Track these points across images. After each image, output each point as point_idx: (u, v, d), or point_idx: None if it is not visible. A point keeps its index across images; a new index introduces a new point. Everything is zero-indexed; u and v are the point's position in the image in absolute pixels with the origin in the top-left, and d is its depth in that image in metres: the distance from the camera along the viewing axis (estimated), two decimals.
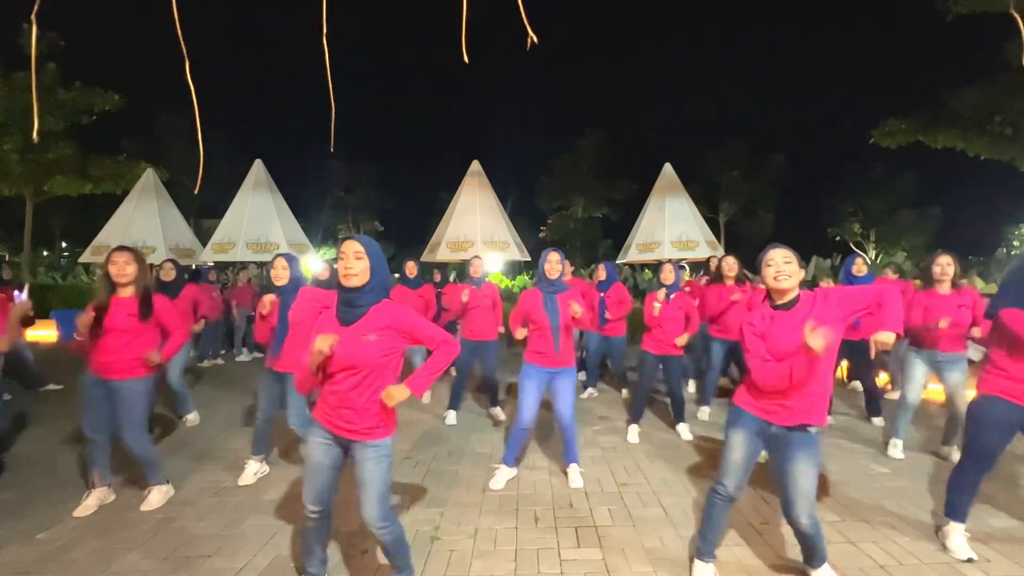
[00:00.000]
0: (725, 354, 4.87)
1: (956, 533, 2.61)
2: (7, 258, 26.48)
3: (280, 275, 3.29)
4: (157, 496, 3.16)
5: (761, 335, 2.16)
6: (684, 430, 4.37)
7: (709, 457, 3.89)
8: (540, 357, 3.34)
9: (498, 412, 4.92)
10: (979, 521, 2.90)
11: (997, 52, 10.56)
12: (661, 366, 4.39)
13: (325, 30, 1.40)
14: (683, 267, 7.48)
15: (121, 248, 2.98)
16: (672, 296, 4.23)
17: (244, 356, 8.24)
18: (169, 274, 4.90)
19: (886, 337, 2.03)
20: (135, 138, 22.03)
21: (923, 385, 3.88)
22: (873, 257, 25.97)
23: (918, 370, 3.82)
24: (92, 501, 3.07)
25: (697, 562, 2.40)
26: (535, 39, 1.31)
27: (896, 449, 3.94)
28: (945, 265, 3.65)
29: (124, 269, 2.90)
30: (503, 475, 3.42)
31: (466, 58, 1.36)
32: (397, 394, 1.93)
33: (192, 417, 4.78)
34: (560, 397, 3.35)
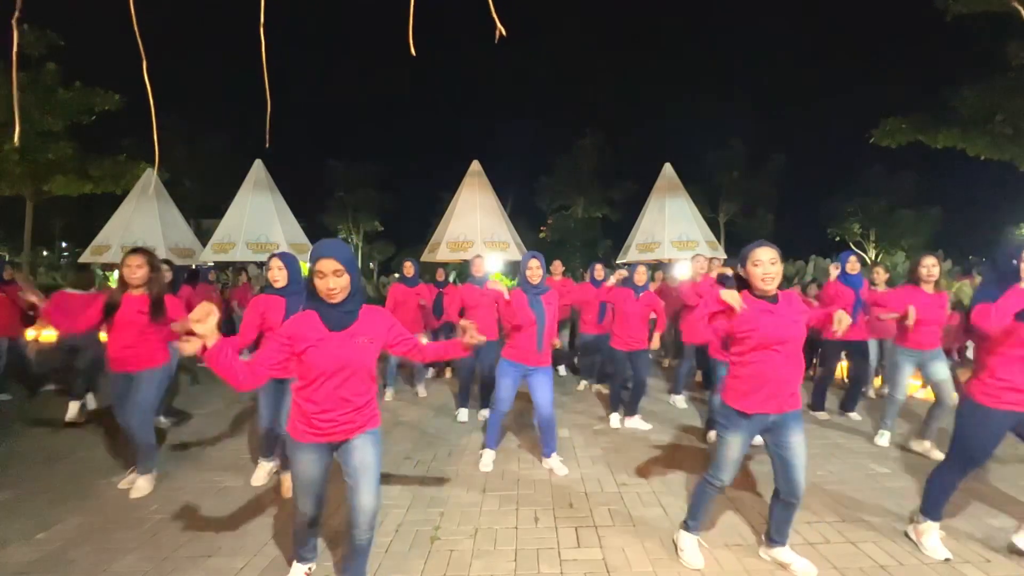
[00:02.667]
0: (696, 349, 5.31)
1: (932, 532, 2.61)
2: (7, 258, 26.49)
3: (276, 276, 3.10)
4: (144, 483, 3.29)
5: (753, 325, 2.26)
6: (639, 422, 4.63)
7: (709, 457, 3.89)
8: (519, 354, 3.56)
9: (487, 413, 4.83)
10: (979, 521, 2.90)
11: (997, 52, 10.56)
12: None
13: (262, 20, 1.37)
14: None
15: (135, 251, 3.16)
16: (640, 295, 4.58)
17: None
18: (166, 275, 4.82)
19: (841, 314, 2.26)
20: (135, 138, 22.01)
21: (908, 381, 4.16)
22: (873, 257, 25.97)
23: (905, 368, 4.07)
24: (133, 477, 3.35)
25: (683, 533, 2.57)
26: (503, 32, 1.32)
27: (884, 439, 4.19)
28: (931, 267, 3.87)
29: (135, 272, 3.09)
30: (488, 457, 3.75)
31: (413, 51, 1.34)
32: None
33: (164, 421, 4.70)
34: (540, 392, 3.57)
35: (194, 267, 12.00)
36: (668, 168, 12.66)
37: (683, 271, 5.45)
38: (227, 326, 8.32)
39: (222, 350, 1.83)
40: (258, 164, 12.22)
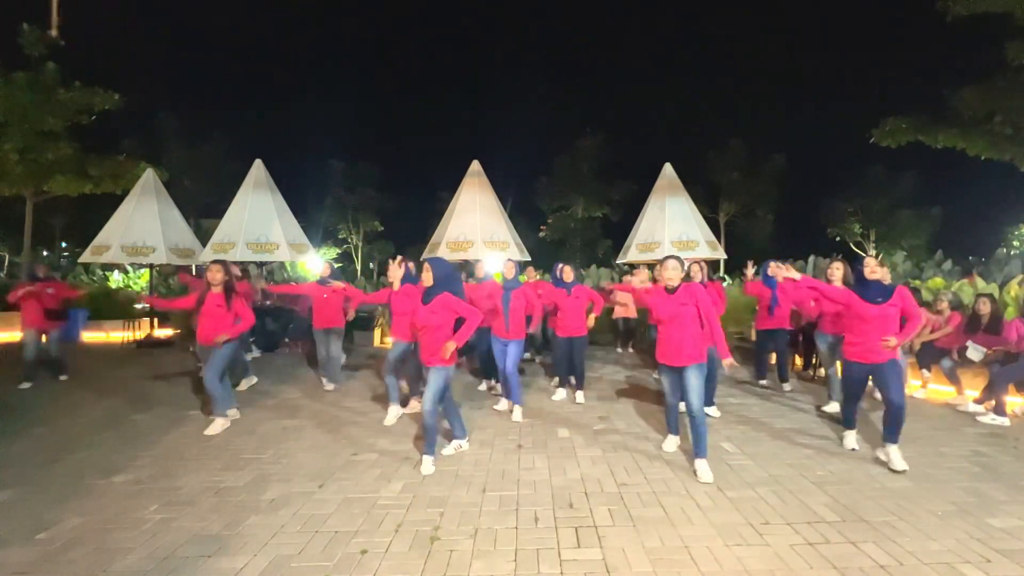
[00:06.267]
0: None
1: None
2: (7, 258, 26.44)
3: (426, 277, 3.80)
4: (216, 425, 4.48)
5: (662, 306, 3.65)
6: (580, 396, 5.54)
7: (711, 459, 3.88)
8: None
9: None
10: (979, 521, 2.90)
11: (997, 52, 10.55)
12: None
13: None
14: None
15: (216, 261, 4.59)
16: (572, 289, 5.33)
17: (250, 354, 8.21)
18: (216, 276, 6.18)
19: None
20: (135, 138, 21.99)
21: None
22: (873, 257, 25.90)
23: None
24: (211, 419, 4.56)
25: (672, 436, 4.06)
26: None
27: (833, 407, 5.04)
28: (835, 269, 4.84)
29: (215, 276, 4.52)
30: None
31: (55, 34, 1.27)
32: (449, 346, 3.55)
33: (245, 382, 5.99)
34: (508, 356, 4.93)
35: (194, 267, 12.00)
36: (668, 168, 12.63)
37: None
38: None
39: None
40: (258, 164, 12.19)
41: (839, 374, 4.84)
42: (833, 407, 5.03)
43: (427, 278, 3.75)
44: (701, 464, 3.56)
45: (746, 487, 3.36)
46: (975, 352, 5.25)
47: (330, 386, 6.02)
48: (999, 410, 4.76)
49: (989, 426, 4.66)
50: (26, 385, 6.04)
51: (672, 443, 4.04)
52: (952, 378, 5.50)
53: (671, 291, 3.64)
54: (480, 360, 6.09)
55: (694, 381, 3.57)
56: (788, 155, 26.88)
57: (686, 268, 5.21)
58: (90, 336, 10.48)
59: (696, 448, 3.62)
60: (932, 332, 5.78)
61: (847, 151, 31.51)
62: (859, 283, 3.93)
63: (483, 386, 6.06)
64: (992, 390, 4.88)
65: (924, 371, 5.86)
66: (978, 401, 5.06)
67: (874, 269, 3.85)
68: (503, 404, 5.16)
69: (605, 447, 4.12)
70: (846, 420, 4.12)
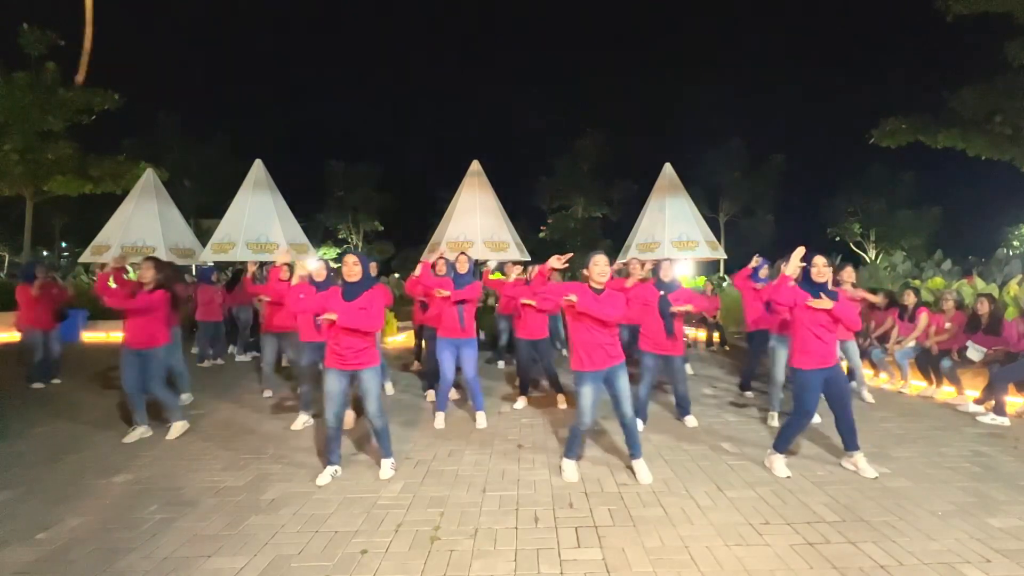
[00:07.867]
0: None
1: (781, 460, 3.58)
2: (7, 259, 26.41)
3: (352, 271, 3.34)
4: (176, 429, 4.32)
5: (587, 306, 3.26)
6: (522, 403, 5.32)
7: (710, 459, 3.89)
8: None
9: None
10: (979, 521, 2.90)
11: (997, 52, 10.57)
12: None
13: None
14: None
15: (148, 258, 4.30)
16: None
17: (245, 357, 8.22)
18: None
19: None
20: (135, 138, 22.00)
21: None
22: (873, 257, 25.99)
23: (784, 353, 4.65)
24: (136, 433, 4.24)
25: (567, 460, 3.54)
26: None
27: (775, 420, 4.66)
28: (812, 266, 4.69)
29: (146, 274, 4.19)
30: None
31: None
32: (330, 316, 3.23)
33: (185, 397, 5.40)
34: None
35: (193, 268, 11.98)
36: (668, 168, 12.67)
37: (682, 270, 5.54)
38: (228, 324, 8.29)
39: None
40: (258, 164, 12.22)
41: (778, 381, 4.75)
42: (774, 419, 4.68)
43: (355, 272, 3.36)
44: (640, 464, 3.51)
45: (746, 487, 3.36)
46: (975, 352, 5.25)
47: (268, 393, 5.72)
48: (999, 410, 4.76)
49: (989, 426, 4.66)
50: (39, 385, 6.07)
51: (572, 469, 3.51)
52: (952, 378, 5.50)
53: (598, 292, 3.34)
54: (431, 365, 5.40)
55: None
56: (788, 155, 26.93)
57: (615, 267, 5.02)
58: (90, 336, 10.48)
59: (632, 450, 3.53)
60: (938, 333, 5.79)
61: (847, 151, 31.52)
62: (805, 282, 3.52)
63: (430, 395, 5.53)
64: (992, 390, 4.88)
65: (906, 378, 5.92)
66: (978, 401, 5.06)
67: (821, 271, 3.49)
68: (440, 419, 4.63)
69: (605, 447, 4.11)
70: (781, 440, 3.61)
